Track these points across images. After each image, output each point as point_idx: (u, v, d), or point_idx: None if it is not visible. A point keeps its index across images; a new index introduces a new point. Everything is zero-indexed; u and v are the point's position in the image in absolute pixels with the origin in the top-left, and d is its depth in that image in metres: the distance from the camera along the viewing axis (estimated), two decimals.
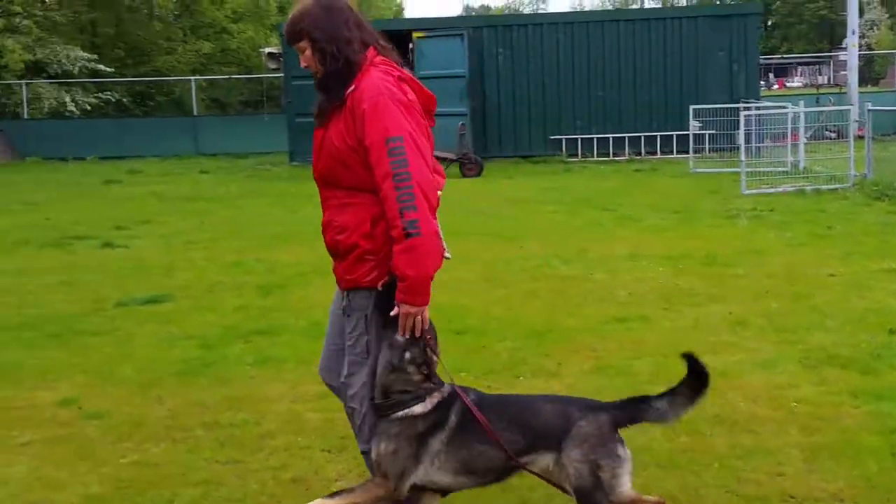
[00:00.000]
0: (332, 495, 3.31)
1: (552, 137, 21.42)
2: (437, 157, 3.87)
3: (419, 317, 3.24)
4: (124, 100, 31.81)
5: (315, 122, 3.40)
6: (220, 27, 37.68)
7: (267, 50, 25.86)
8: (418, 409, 3.28)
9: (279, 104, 27.32)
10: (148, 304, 7.70)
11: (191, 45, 36.25)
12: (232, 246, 10.60)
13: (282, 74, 23.11)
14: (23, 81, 28.31)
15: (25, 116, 27.97)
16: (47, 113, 28.57)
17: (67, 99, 28.52)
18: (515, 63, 21.61)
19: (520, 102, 21.66)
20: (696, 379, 3.29)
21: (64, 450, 4.49)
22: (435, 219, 3.25)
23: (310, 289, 8.05)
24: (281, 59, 22.74)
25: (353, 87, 3.25)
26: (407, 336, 3.25)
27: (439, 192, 3.36)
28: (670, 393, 3.31)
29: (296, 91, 20.80)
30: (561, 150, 21.19)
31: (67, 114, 28.43)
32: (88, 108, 29.24)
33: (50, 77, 29.53)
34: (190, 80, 30.29)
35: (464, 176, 17.86)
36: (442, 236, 3.30)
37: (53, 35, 30.05)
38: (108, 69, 30.23)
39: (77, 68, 29.12)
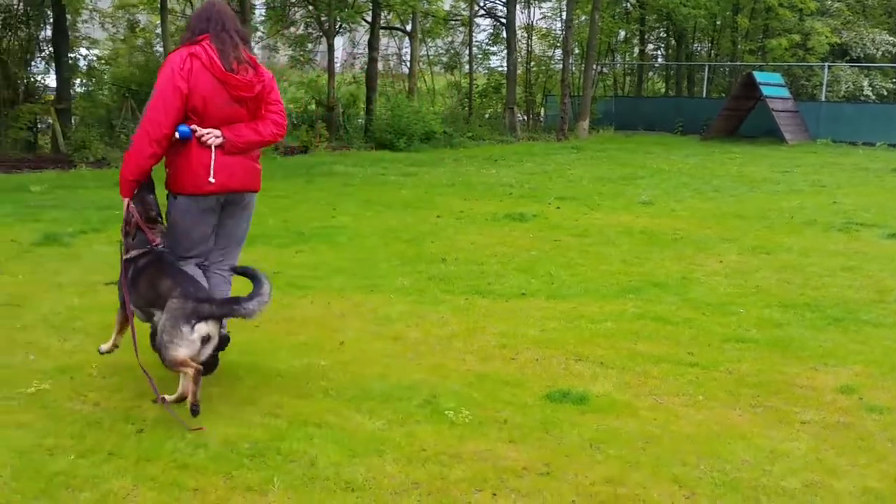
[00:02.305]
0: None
1: None
2: None
3: (124, 203, 4.99)
4: None
5: None
6: None
7: None
8: (124, 257, 5.01)
9: None
10: None
11: None
12: None
13: None
14: (825, 64, 28.72)
15: (822, 99, 28.37)
16: (843, 96, 28.64)
17: (865, 83, 28.26)
18: None
19: None
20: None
21: (843, 437, 4.50)
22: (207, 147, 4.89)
23: None
24: None
25: None
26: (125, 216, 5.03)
27: (209, 136, 4.87)
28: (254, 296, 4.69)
29: None
30: None
31: (863, 98, 28.17)
32: (885, 93, 28.59)
33: (851, 60, 29.49)
34: None
35: None
36: (210, 167, 4.89)
37: (861, 18, 29.86)
38: None
39: (880, 52, 28.61)
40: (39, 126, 20.97)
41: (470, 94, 29.71)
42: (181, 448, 4.19)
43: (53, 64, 20.04)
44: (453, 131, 23.96)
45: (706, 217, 11.76)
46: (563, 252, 9.22)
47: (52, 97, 20.02)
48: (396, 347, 5.88)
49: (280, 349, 5.76)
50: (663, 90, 36.99)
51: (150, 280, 4.84)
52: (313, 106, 25.84)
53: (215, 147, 4.90)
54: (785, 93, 27.39)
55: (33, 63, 21.22)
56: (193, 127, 4.85)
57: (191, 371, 4.52)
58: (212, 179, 4.91)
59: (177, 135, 4.82)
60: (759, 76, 26.67)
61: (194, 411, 4.47)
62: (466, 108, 29.42)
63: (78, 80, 21.97)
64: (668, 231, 10.56)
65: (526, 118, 31.58)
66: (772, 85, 26.84)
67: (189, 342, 4.57)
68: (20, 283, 7.38)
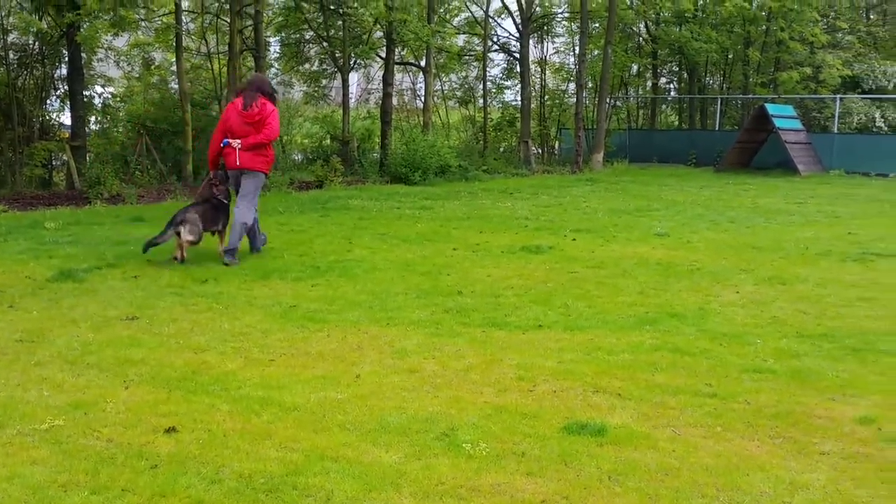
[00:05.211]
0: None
1: None
2: None
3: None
4: None
5: None
6: None
7: None
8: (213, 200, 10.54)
9: None
10: None
11: None
12: None
13: None
14: (837, 96, 28.74)
15: (835, 130, 28.35)
16: (855, 128, 28.64)
17: (877, 115, 28.24)
18: None
19: None
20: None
21: (862, 468, 4.45)
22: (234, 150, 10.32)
23: None
24: None
25: None
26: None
27: (234, 143, 10.24)
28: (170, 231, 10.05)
29: None
30: None
31: (875, 129, 28.14)
32: None
33: (863, 92, 29.50)
34: None
35: None
36: (237, 150, 10.25)
37: (872, 50, 29.92)
38: None
39: (891, 84, 28.63)
40: (54, 163, 21.14)
41: (484, 128, 29.82)
42: (195, 484, 4.17)
43: (68, 102, 20.21)
44: (468, 165, 23.99)
45: (722, 248, 11.73)
46: (580, 284, 9.20)
47: (67, 135, 20.17)
48: (413, 380, 5.86)
49: (296, 383, 5.74)
50: (676, 123, 37.05)
51: (200, 214, 10.23)
52: (328, 141, 26.00)
53: (238, 148, 10.19)
54: (797, 125, 27.38)
55: (48, 101, 21.41)
56: (228, 139, 10.24)
57: (178, 249, 10.00)
58: (238, 163, 10.25)
59: (222, 144, 10.27)
60: (771, 108, 26.69)
61: (181, 259, 9.97)
62: (481, 142, 29.52)
63: (93, 118, 22.14)
64: (684, 262, 10.53)
65: (540, 151, 31.66)
66: (784, 117, 26.84)
67: (169, 235, 9.91)
68: (35, 318, 7.40)
